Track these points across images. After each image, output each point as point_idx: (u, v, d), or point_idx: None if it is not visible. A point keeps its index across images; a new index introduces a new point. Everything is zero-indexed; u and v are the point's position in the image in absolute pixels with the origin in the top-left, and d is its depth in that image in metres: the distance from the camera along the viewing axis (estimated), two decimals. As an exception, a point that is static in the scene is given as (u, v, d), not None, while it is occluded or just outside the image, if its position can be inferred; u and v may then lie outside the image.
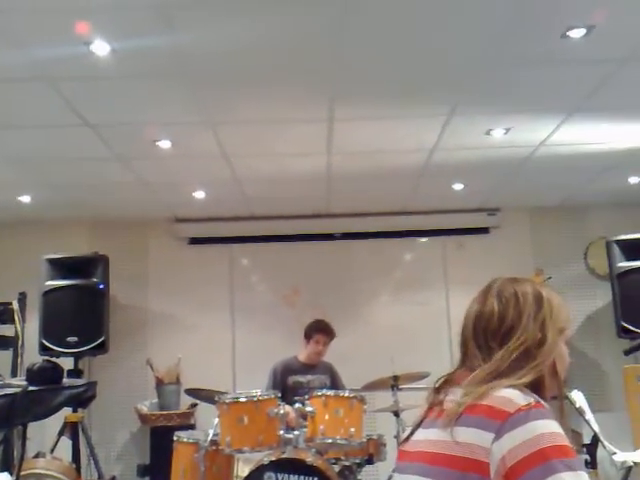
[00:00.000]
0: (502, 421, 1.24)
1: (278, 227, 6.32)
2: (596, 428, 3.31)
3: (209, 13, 2.88)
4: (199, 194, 5.62)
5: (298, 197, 5.83)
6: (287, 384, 4.78)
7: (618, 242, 5.71)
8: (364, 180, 5.37)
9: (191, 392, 4.52)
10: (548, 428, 1.24)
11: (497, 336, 1.38)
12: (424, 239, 6.48)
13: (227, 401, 3.78)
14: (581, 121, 4.23)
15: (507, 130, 4.35)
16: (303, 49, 3.21)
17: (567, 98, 3.90)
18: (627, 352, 2.82)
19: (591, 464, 3.58)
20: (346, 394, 3.97)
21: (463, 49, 3.26)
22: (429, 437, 1.36)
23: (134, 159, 4.74)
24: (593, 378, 5.86)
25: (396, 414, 4.45)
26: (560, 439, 1.23)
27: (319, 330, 4.88)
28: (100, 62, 3.20)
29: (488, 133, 4.38)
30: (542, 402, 1.28)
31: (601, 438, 3.26)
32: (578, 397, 3.34)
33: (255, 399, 3.77)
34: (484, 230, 6.40)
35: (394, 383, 4.49)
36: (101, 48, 3.08)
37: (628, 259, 5.66)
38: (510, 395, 1.28)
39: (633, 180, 5.59)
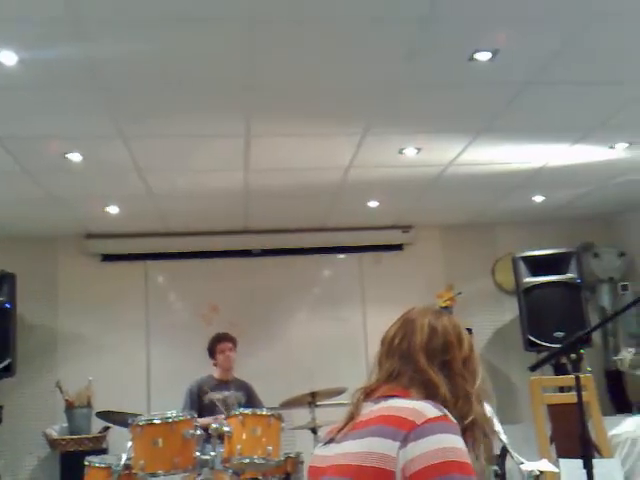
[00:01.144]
0: (408, 431, 1.25)
1: (195, 243, 6.23)
2: (505, 439, 3.41)
3: (121, 25, 2.83)
4: (112, 209, 5.47)
5: (215, 213, 5.78)
6: (203, 403, 4.71)
7: (524, 258, 5.96)
8: (282, 197, 5.39)
9: (103, 415, 4.37)
10: (452, 443, 1.25)
11: (439, 360, 1.42)
12: (342, 255, 6.55)
13: (140, 423, 3.66)
14: (488, 142, 4.41)
15: (419, 150, 4.47)
16: (217, 63, 3.20)
17: (475, 119, 4.05)
18: (532, 368, 2.91)
19: (500, 475, 3.68)
20: (263, 412, 3.93)
21: (375, 70, 3.34)
22: (342, 450, 1.36)
23: (42, 172, 4.57)
24: (502, 390, 6.05)
25: (314, 431, 4.45)
26: (463, 455, 1.25)
27: (219, 340, 4.96)
28: (7, 72, 3.08)
29: (401, 152, 4.49)
30: (450, 417, 1.30)
31: (509, 449, 3.36)
32: (487, 409, 3.43)
33: (170, 420, 3.66)
34: (398, 247, 6.54)
35: (311, 400, 4.49)
36: (8, 58, 2.98)
37: (533, 275, 5.90)
38: (420, 407, 1.29)
39: (537, 199, 5.86)
